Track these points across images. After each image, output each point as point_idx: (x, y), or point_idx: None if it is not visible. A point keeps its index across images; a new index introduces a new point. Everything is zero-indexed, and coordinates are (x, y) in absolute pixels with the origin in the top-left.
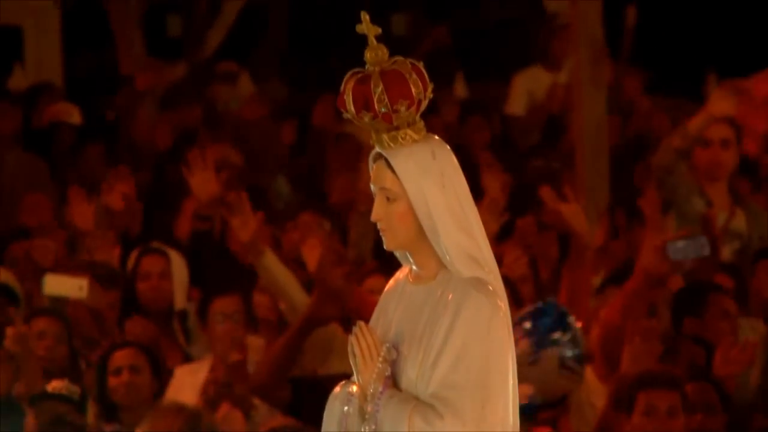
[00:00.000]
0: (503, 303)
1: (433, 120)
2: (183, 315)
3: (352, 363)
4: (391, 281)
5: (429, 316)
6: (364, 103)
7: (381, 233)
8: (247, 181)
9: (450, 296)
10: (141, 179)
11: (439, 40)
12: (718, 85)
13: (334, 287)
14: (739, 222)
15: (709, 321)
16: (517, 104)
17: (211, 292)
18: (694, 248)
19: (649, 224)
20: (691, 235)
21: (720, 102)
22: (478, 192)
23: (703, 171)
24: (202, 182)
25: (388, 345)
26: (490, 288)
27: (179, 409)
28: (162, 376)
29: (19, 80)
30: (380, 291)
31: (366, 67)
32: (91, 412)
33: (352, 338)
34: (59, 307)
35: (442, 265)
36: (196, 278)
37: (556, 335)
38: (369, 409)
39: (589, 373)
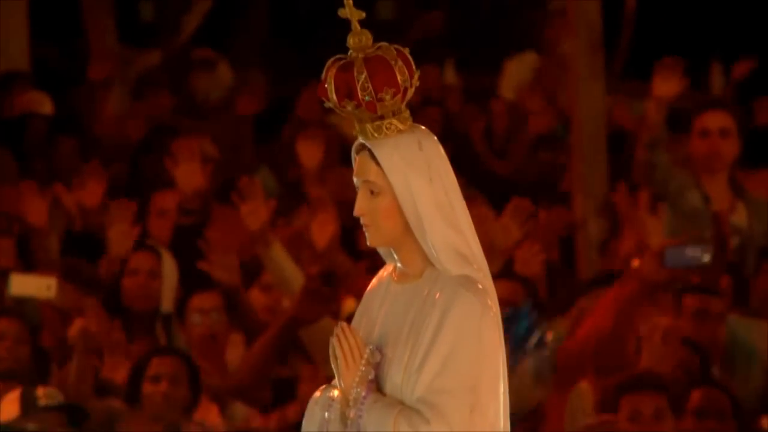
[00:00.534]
0: (494, 302)
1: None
2: (168, 318)
3: (333, 366)
4: (374, 280)
5: (415, 316)
6: (346, 92)
7: (364, 229)
8: (224, 175)
9: (437, 295)
10: (114, 172)
11: (428, 26)
12: (664, 64)
13: (341, 268)
14: (740, 216)
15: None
16: (509, 92)
17: (192, 290)
18: (692, 256)
19: (626, 223)
20: (693, 242)
21: (663, 83)
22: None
23: (701, 162)
24: (188, 174)
25: (371, 347)
26: (480, 286)
27: (157, 417)
28: (199, 392)
29: None
30: None
31: (349, 53)
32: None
33: (333, 340)
34: (21, 307)
35: (428, 262)
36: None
37: (532, 341)
38: (351, 414)
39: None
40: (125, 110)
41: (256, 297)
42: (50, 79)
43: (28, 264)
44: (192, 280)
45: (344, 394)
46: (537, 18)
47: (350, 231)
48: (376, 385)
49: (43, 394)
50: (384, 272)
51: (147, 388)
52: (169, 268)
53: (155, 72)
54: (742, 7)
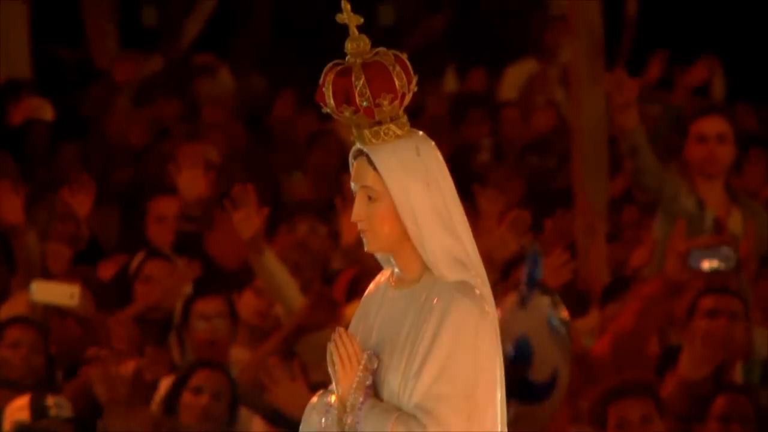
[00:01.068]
0: (491, 308)
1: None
2: (180, 326)
3: (330, 371)
4: (372, 285)
5: (412, 322)
6: (344, 97)
7: (362, 234)
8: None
9: (435, 301)
10: (118, 178)
11: (429, 32)
12: (615, 69)
13: (368, 263)
14: (735, 222)
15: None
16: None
17: (196, 296)
18: (718, 258)
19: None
20: (717, 245)
21: (617, 89)
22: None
23: (698, 167)
24: (190, 181)
25: (369, 353)
26: (477, 292)
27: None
28: (237, 411)
29: None
30: None
31: (347, 58)
32: None
33: (330, 345)
34: (36, 314)
35: (426, 267)
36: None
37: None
38: (349, 420)
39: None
40: (128, 115)
41: (248, 300)
42: (52, 85)
43: (10, 263)
44: (196, 288)
45: (341, 399)
46: (538, 23)
47: None
48: (374, 391)
49: (54, 404)
50: (381, 277)
51: (186, 398)
52: (184, 276)
53: (157, 77)
54: (743, 12)
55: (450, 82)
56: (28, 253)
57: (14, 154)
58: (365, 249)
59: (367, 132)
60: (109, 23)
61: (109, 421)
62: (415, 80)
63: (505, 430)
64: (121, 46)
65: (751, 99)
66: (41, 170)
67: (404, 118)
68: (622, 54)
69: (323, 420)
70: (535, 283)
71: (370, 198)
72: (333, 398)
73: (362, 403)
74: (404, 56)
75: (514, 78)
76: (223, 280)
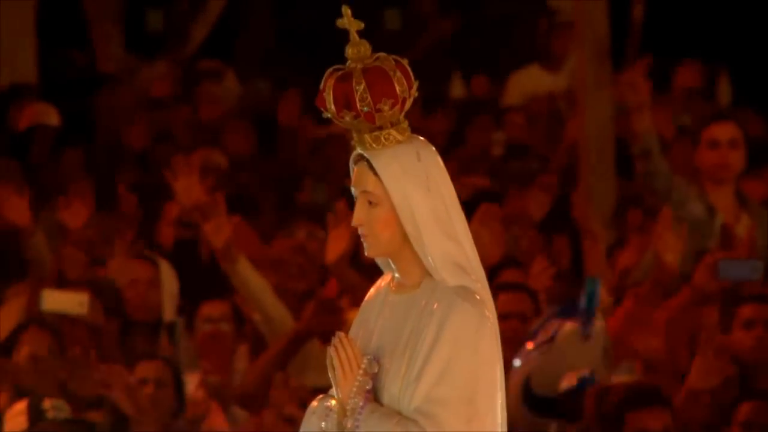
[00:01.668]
0: (491, 313)
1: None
2: (171, 328)
3: (330, 376)
4: (372, 290)
5: (413, 326)
6: (345, 102)
7: (362, 239)
8: (232, 185)
9: (435, 306)
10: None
11: (436, 37)
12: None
13: (349, 282)
14: (744, 228)
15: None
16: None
17: (197, 302)
18: (745, 270)
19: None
20: (746, 256)
21: (628, 91)
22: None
23: (709, 173)
24: (186, 188)
25: (369, 357)
26: (478, 297)
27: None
28: (184, 395)
29: None
30: None
31: (347, 63)
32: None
33: (331, 350)
34: (53, 320)
35: (426, 272)
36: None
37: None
38: (349, 425)
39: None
40: (133, 121)
41: None
42: (58, 90)
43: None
44: (195, 291)
45: (341, 404)
46: (544, 30)
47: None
48: (374, 396)
49: (51, 407)
50: (382, 282)
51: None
52: (168, 276)
53: (162, 82)
54: (749, 17)
55: (456, 88)
56: (37, 254)
57: (19, 160)
58: (365, 254)
59: (367, 137)
60: (115, 28)
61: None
62: (415, 85)
63: None
64: (126, 51)
65: (758, 105)
66: (47, 175)
67: (405, 123)
68: (628, 60)
69: (323, 424)
70: (593, 313)
71: (370, 203)
72: (333, 402)
73: (362, 407)
74: (405, 62)
75: (519, 84)
76: (221, 285)
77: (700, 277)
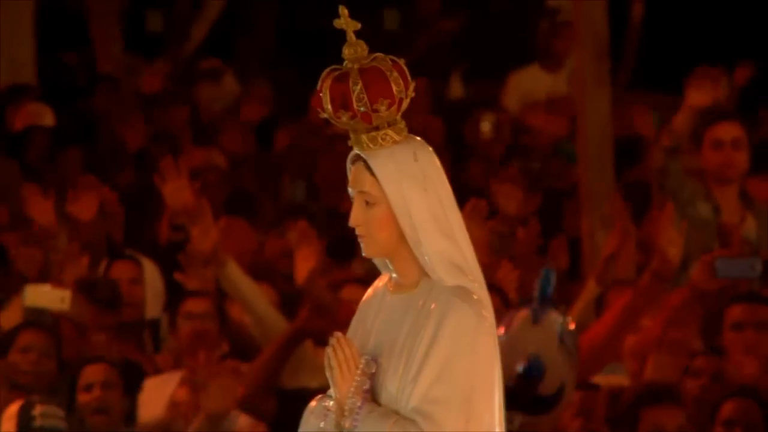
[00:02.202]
0: (489, 313)
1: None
2: (155, 325)
3: (328, 376)
4: (370, 290)
5: (410, 326)
6: (342, 102)
7: (359, 239)
8: (231, 185)
9: (432, 306)
10: (120, 184)
11: (435, 37)
12: (699, 73)
13: (321, 302)
14: (750, 228)
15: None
16: (511, 104)
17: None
18: (744, 268)
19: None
20: (744, 254)
21: (695, 92)
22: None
23: (713, 173)
24: (176, 191)
25: (366, 357)
26: (475, 297)
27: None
28: (135, 394)
29: None
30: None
31: (344, 63)
32: None
33: (328, 350)
34: (45, 319)
35: (423, 272)
36: (173, 290)
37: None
38: (347, 424)
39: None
40: (132, 121)
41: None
42: (57, 91)
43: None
44: (184, 295)
45: (339, 403)
46: (545, 30)
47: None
48: (372, 396)
49: (40, 414)
50: (379, 282)
51: (82, 397)
52: (151, 275)
53: (162, 82)
54: (751, 16)
55: (455, 88)
56: (59, 256)
57: (17, 160)
58: (363, 254)
59: (364, 137)
60: (114, 28)
61: None
62: (412, 86)
63: None
64: (125, 51)
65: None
66: (46, 175)
67: (402, 124)
68: (628, 59)
69: (321, 424)
70: (548, 301)
71: (367, 203)
72: (331, 403)
73: (360, 407)
74: (402, 62)
75: (518, 84)
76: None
77: (697, 275)
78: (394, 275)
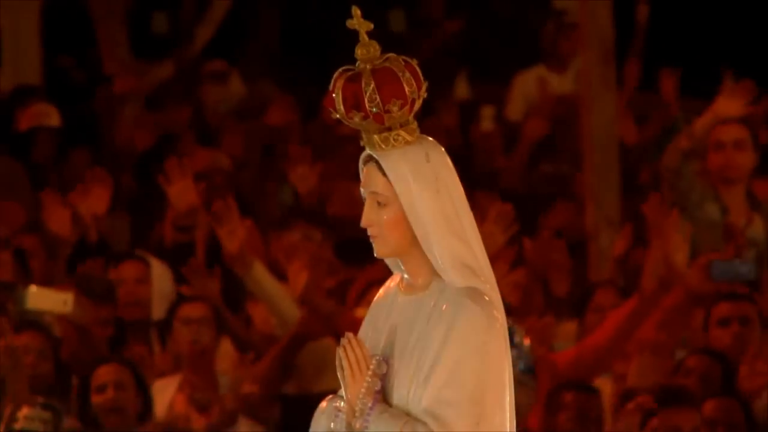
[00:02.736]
0: (500, 314)
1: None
2: (162, 325)
3: (339, 377)
4: (381, 291)
5: (422, 327)
6: (354, 103)
7: (371, 240)
8: (236, 187)
9: (444, 307)
10: (126, 185)
11: (440, 39)
12: (732, 84)
13: (322, 312)
14: (757, 229)
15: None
16: (515, 108)
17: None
18: (739, 270)
19: (654, 232)
20: (738, 257)
21: (727, 102)
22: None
23: (718, 175)
24: (181, 192)
25: (378, 358)
26: (486, 298)
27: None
28: (147, 394)
29: None
30: None
31: (357, 64)
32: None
33: (339, 350)
34: (43, 320)
35: (435, 273)
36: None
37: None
38: (357, 425)
39: (606, 386)
40: (138, 122)
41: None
42: (63, 92)
43: (51, 275)
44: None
45: (350, 404)
46: (550, 31)
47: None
48: (383, 396)
49: (24, 416)
50: (391, 283)
51: (95, 398)
52: (159, 275)
53: (168, 84)
54: (755, 19)
55: (461, 89)
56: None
57: (23, 161)
58: (375, 254)
59: (376, 138)
60: (120, 30)
61: None
62: (425, 86)
63: None
64: (131, 53)
65: None
66: (52, 176)
67: (414, 124)
68: (633, 61)
69: (332, 425)
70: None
71: (379, 204)
72: (342, 403)
73: (371, 408)
74: (414, 62)
75: (523, 85)
76: (228, 287)
77: (692, 277)
78: (405, 276)
